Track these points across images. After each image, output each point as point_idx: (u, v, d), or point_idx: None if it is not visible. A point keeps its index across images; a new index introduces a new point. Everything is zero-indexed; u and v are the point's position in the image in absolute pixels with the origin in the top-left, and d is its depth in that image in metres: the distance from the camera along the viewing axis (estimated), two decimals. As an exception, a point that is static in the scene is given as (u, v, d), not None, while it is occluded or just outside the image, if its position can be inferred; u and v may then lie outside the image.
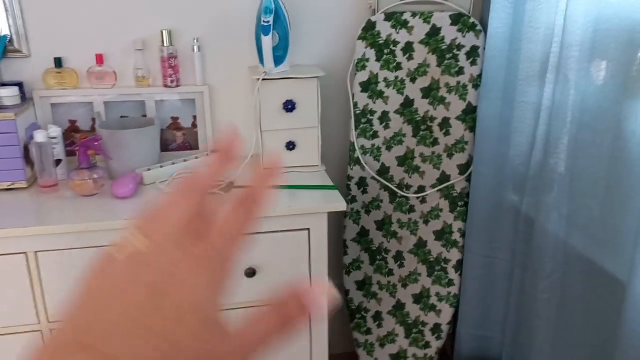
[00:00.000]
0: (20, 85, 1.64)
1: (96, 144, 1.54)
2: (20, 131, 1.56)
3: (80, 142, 1.54)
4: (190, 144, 1.88)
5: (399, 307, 1.91)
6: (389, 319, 1.93)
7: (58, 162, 1.63)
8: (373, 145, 1.82)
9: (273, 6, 1.59)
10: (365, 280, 1.92)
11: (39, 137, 1.54)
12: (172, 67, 1.75)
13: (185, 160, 1.76)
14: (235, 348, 0.28)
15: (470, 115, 1.77)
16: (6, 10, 1.64)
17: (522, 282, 1.63)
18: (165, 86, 1.77)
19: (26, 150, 1.58)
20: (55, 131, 1.62)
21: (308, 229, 1.53)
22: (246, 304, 1.55)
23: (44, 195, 1.56)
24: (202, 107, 1.84)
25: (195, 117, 1.86)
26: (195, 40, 1.76)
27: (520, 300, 1.66)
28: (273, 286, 1.44)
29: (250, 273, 1.51)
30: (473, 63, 1.74)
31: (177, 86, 1.78)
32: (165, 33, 1.71)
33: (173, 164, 1.73)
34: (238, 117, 1.89)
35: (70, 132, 1.78)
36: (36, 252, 1.39)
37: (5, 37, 1.65)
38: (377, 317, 1.94)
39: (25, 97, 1.67)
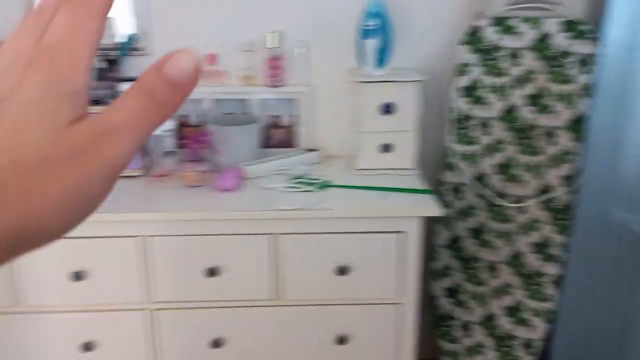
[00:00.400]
0: (139, 81, 1.78)
1: (205, 138, 1.64)
2: (138, 124, 1.69)
3: (192, 135, 1.65)
4: (289, 142, 1.95)
5: (489, 318, 1.87)
6: (477, 329, 1.89)
7: (169, 153, 1.75)
8: (470, 151, 1.79)
9: (378, 10, 1.61)
10: (454, 288, 1.89)
11: (155, 130, 1.66)
12: (277, 68, 1.82)
13: (283, 157, 1.82)
14: (95, 135, 0.25)
15: (578, 125, 1.70)
16: (134, 12, 1.78)
17: (628, 304, 1.54)
18: (269, 85, 1.85)
19: (142, 142, 1.71)
20: (169, 124, 1.74)
21: (401, 232, 1.54)
22: (336, 302, 1.60)
23: (155, 184, 1.68)
24: (303, 106, 1.90)
25: (295, 116, 1.92)
26: (301, 42, 1.82)
27: (624, 323, 1.56)
28: (365, 284, 1.48)
29: (342, 271, 1.54)
30: (584, 71, 1.67)
31: (280, 86, 1.85)
32: (272, 35, 1.78)
33: (272, 160, 1.80)
34: (336, 118, 1.93)
35: (181, 126, 1.90)
36: (147, 236, 1.51)
37: (133, 35, 1.79)
38: (465, 326, 1.90)
39: (143, 92, 1.80)
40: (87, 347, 1.58)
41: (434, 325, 1.96)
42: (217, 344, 1.61)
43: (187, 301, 1.57)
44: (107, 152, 0.26)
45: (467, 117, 1.77)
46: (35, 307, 1.56)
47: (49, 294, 1.54)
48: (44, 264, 1.51)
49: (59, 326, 1.58)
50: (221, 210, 1.49)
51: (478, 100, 1.75)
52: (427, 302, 1.98)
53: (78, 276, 1.51)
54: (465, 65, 1.73)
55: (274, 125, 1.93)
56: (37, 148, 0.24)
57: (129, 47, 1.80)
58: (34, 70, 0.24)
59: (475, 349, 1.91)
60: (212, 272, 1.53)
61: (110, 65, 1.73)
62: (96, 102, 1.68)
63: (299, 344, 1.63)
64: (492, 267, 1.84)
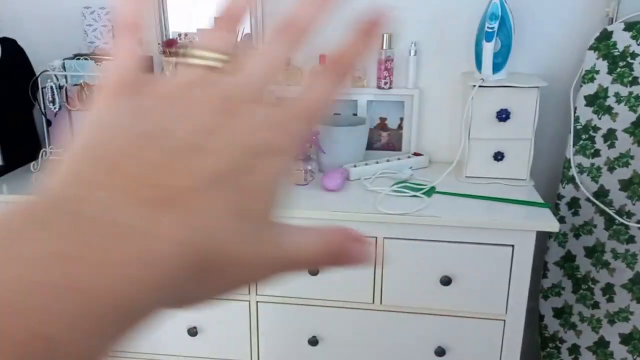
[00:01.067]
0: (253, 79, 1.83)
1: (314, 137, 1.66)
2: (250, 121, 1.74)
3: (300, 135, 1.67)
4: (394, 145, 1.92)
5: (602, 344, 1.73)
6: (587, 355, 1.76)
7: (277, 151, 1.79)
8: (592, 164, 1.66)
9: (500, 12, 1.55)
10: (564, 309, 1.78)
11: (266, 127, 1.70)
12: (387, 70, 1.80)
13: (388, 160, 1.80)
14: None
15: None
16: (249, 11, 1.84)
17: None
18: (378, 87, 1.83)
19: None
20: (279, 123, 1.78)
21: (512, 246, 1.46)
22: (437, 312, 1.55)
23: (263, 180, 1.73)
24: (411, 109, 1.86)
25: (402, 119, 1.89)
26: (413, 44, 1.79)
27: None
28: (469, 297, 1.42)
29: (446, 281, 1.50)
30: None
31: (390, 88, 1.83)
32: (385, 36, 1.77)
33: (377, 162, 1.78)
34: (445, 122, 1.88)
35: (289, 125, 1.94)
36: (255, 230, 1.55)
37: (247, 35, 1.85)
38: (574, 350, 1.78)
39: (256, 91, 1.86)
40: (192, 332, 1.66)
41: (540, 346, 1.85)
42: (314, 341, 1.62)
43: (288, 297, 1.60)
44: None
45: (591, 128, 1.65)
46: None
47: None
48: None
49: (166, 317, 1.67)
50: (326, 210, 1.50)
51: (604, 110, 1.62)
52: (534, 321, 1.87)
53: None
54: (592, 71, 1.62)
55: (380, 127, 1.91)
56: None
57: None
58: (271, 151, 0.22)
59: (584, 376, 1.78)
60: (313, 270, 1.54)
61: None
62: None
63: (395, 351, 1.60)
64: (608, 290, 1.70)
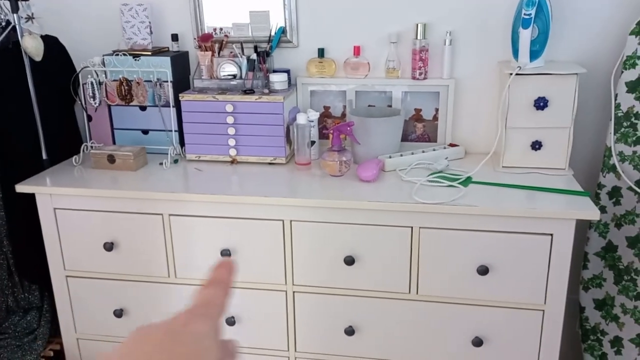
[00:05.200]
0: (288, 72, 1.85)
1: (348, 128, 1.66)
2: (285, 113, 1.76)
3: (335, 126, 1.68)
4: (429, 136, 1.91)
5: (645, 337, 1.69)
6: (630, 347, 1.72)
7: (312, 143, 1.80)
8: (634, 152, 1.62)
9: (537, -2, 1.52)
10: (605, 300, 1.74)
11: (301, 119, 1.72)
12: (422, 60, 1.79)
13: (423, 151, 1.80)
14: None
15: None
16: (284, 5, 1.85)
17: None
18: (413, 78, 1.83)
19: (286, 131, 1.78)
20: (314, 115, 1.79)
21: (551, 235, 1.44)
22: (474, 302, 1.54)
23: (298, 172, 1.74)
24: (446, 100, 1.85)
25: (437, 110, 1.88)
26: (448, 34, 1.77)
27: None
28: (507, 286, 1.41)
29: (483, 271, 1.48)
30: None
31: (424, 78, 1.82)
32: (419, 26, 1.76)
33: (412, 153, 1.78)
34: (481, 112, 1.86)
35: (323, 117, 1.95)
36: (291, 220, 1.56)
37: (281, 29, 1.87)
38: (616, 342, 1.74)
39: (290, 83, 1.87)
40: (230, 321, 1.69)
41: (581, 338, 1.82)
42: (350, 331, 1.63)
43: (325, 286, 1.61)
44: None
45: (633, 115, 1.61)
46: (187, 280, 1.69)
47: (199, 269, 1.66)
48: (196, 241, 1.63)
49: (207, 299, 1.70)
50: (362, 200, 1.50)
51: (647, 96, 1.58)
52: (575, 313, 1.84)
53: (225, 253, 1.61)
54: (634, 57, 1.57)
55: (415, 118, 1.91)
56: None
57: (279, 40, 1.88)
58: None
59: (626, 369, 1.74)
60: (350, 259, 1.55)
61: (262, 57, 1.82)
62: (249, 91, 1.77)
63: (432, 341, 1.60)
64: (652, 281, 1.66)
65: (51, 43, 1.87)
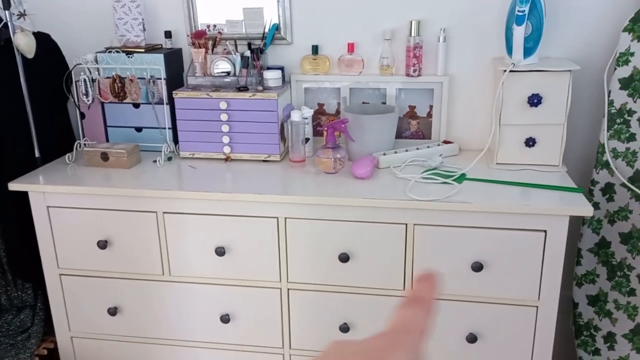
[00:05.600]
0: (282, 69, 1.84)
1: (343, 125, 1.66)
2: (279, 110, 1.76)
3: (329, 123, 1.67)
4: (424, 133, 1.91)
5: (638, 332, 1.70)
6: (623, 342, 1.73)
7: (306, 140, 1.80)
8: (627, 148, 1.63)
9: (531, -5, 1.52)
10: (599, 296, 1.75)
11: (295, 116, 1.71)
12: (416, 57, 1.79)
13: (417, 148, 1.80)
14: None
15: None
16: (278, 2, 1.85)
17: None
18: (407, 75, 1.83)
19: (280, 128, 1.78)
20: (308, 112, 1.79)
21: (544, 231, 1.45)
22: (468, 298, 1.55)
23: (292, 169, 1.74)
24: (440, 97, 1.85)
25: (431, 107, 1.88)
26: (442, 31, 1.77)
27: None
28: (501, 283, 1.41)
29: (477, 267, 1.49)
30: None
31: (419, 75, 1.82)
32: (414, 23, 1.76)
33: (406, 150, 1.78)
34: (475, 109, 1.86)
35: (318, 114, 1.94)
36: (286, 218, 1.56)
37: (274, 25, 1.86)
38: (609, 338, 1.75)
39: (284, 80, 1.87)
40: (224, 319, 1.68)
41: (574, 333, 1.83)
42: (345, 328, 1.63)
43: (319, 284, 1.61)
44: None
45: (626, 111, 1.62)
46: (181, 278, 1.68)
47: (193, 267, 1.66)
48: (190, 239, 1.63)
49: (201, 296, 1.70)
50: (356, 197, 1.50)
51: (640, 93, 1.59)
52: (568, 309, 1.85)
53: (220, 251, 1.61)
54: (627, 54, 1.58)
55: (410, 115, 1.91)
56: None
57: (273, 36, 1.87)
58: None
59: (619, 365, 1.75)
60: (344, 257, 1.55)
61: (256, 54, 1.81)
62: (243, 88, 1.77)
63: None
64: (644, 277, 1.67)
65: (43, 40, 1.86)
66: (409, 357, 0.33)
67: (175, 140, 1.87)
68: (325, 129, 1.68)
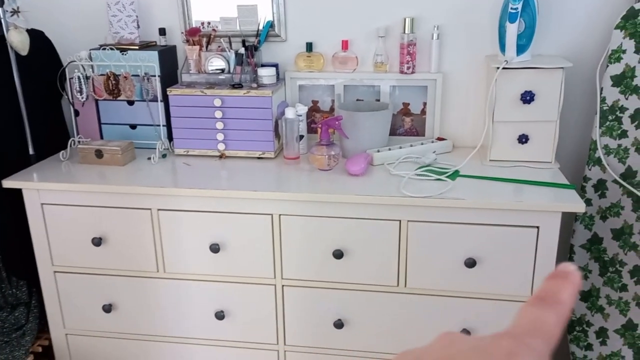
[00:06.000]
0: (276, 66, 1.85)
1: (337, 123, 1.67)
2: (273, 107, 1.76)
3: (323, 120, 1.68)
4: (417, 130, 1.92)
5: (630, 327, 1.72)
6: (615, 337, 1.75)
7: (300, 137, 1.80)
8: (619, 145, 1.64)
9: (523, -8, 1.53)
10: (591, 292, 1.76)
11: (289, 113, 1.72)
12: (410, 54, 1.79)
13: (411, 145, 1.80)
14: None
15: None
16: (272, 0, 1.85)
17: None
18: (401, 72, 1.83)
19: (274, 125, 1.78)
20: (302, 109, 1.79)
21: (537, 227, 1.46)
22: (462, 294, 1.56)
23: (286, 166, 1.74)
24: (434, 94, 1.86)
25: (425, 104, 1.89)
26: (435, 28, 1.78)
27: None
28: (494, 279, 1.43)
29: (470, 263, 1.50)
30: None
31: (412, 73, 1.83)
32: (407, 20, 1.76)
33: (400, 147, 1.79)
34: (469, 106, 1.87)
35: (312, 111, 1.95)
36: (280, 214, 1.57)
37: (269, 23, 1.87)
38: (601, 333, 1.77)
39: (278, 78, 1.87)
40: (219, 315, 1.69)
41: (566, 329, 1.84)
42: (339, 324, 1.64)
43: (313, 280, 1.62)
44: None
45: (618, 108, 1.63)
46: (176, 275, 1.69)
47: (188, 264, 1.66)
48: (185, 236, 1.63)
49: (196, 293, 1.70)
50: (350, 194, 1.51)
51: (631, 90, 1.60)
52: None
53: (215, 248, 1.61)
54: (619, 51, 1.59)
55: (404, 112, 1.91)
56: None
57: (267, 34, 1.87)
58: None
59: (611, 359, 1.77)
60: (338, 253, 1.56)
61: (250, 51, 1.81)
62: (237, 85, 1.77)
63: (420, 333, 1.61)
64: (636, 272, 1.68)
65: (37, 37, 1.85)
66: None
67: (170, 138, 1.87)
68: (320, 126, 1.69)
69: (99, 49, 1.83)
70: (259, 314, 1.69)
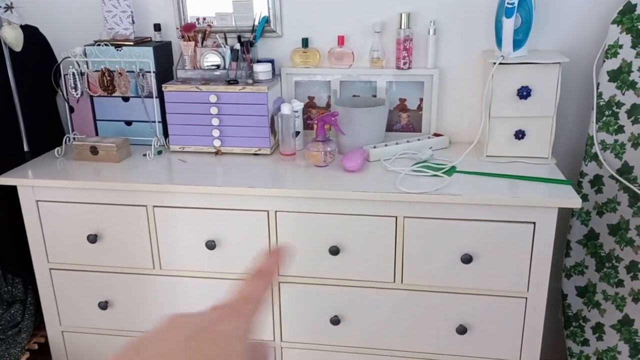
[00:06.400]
0: (272, 62, 1.84)
1: (333, 119, 1.66)
2: (269, 103, 1.75)
3: (320, 116, 1.67)
4: (414, 126, 1.92)
5: (626, 322, 1.72)
6: (611, 333, 1.75)
7: (296, 133, 1.79)
8: (616, 140, 1.64)
9: (520, -13, 1.52)
10: (587, 287, 1.76)
11: (285, 109, 1.71)
12: (406, 50, 1.79)
13: (407, 141, 1.80)
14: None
15: None
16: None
17: None
18: (397, 68, 1.82)
19: (270, 121, 1.77)
20: (298, 105, 1.78)
21: (533, 223, 1.46)
22: (458, 290, 1.56)
23: (282, 162, 1.74)
24: (430, 90, 1.85)
25: (421, 100, 1.88)
26: (432, 23, 1.77)
27: None
28: (490, 275, 1.42)
29: (467, 259, 1.50)
30: None
31: (409, 68, 1.82)
32: (404, 16, 1.76)
33: (397, 143, 1.78)
34: (465, 102, 1.86)
35: (308, 107, 1.94)
36: (276, 211, 1.56)
37: (264, 18, 1.86)
38: (598, 328, 1.77)
39: (274, 73, 1.86)
40: (216, 312, 1.68)
41: (563, 324, 1.85)
42: (335, 321, 1.63)
43: (310, 276, 1.62)
44: None
45: (615, 103, 1.63)
46: (172, 271, 1.68)
47: (184, 260, 1.66)
48: (181, 233, 1.63)
49: (192, 290, 1.70)
50: (347, 190, 1.51)
51: (628, 85, 1.60)
52: (557, 301, 1.87)
53: (211, 245, 1.60)
54: (616, 46, 1.59)
55: (400, 108, 1.91)
56: None
57: (262, 29, 1.86)
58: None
59: (608, 354, 1.77)
60: (334, 249, 1.55)
61: (245, 47, 1.81)
62: (233, 81, 1.76)
63: (417, 330, 1.61)
64: (632, 268, 1.68)
65: (31, 33, 1.84)
66: (240, 326, 0.35)
67: (165, 134, 1.86)
68: (316, 122, 1.68)
69: (93, 45, 1.82)
70: (255, 311, 1.68)
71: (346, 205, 1.53)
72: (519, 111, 1.62)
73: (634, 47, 1.57)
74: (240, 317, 0.35)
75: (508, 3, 1.54)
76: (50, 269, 1.76)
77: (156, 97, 1.82)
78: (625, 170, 1.64)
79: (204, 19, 1.91)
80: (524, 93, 1.59)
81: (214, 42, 1.85)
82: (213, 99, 1.74)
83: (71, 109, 1.90)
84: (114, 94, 1.84)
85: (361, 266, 1.58)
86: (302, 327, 1.68)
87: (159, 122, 1.85)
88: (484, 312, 1.56)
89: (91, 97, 1.88)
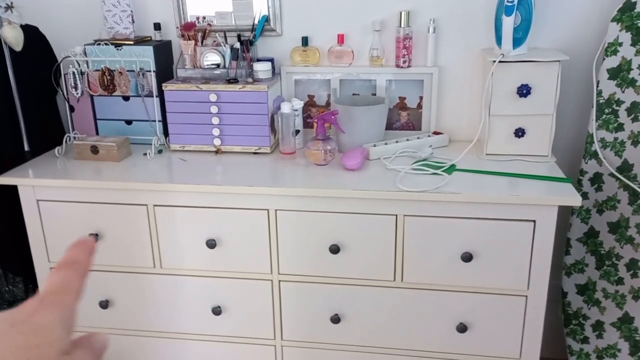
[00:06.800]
0: (272, 61, 1.84)
1: (333, 117, 1.66)
2: (269, 102, 1.75)
3: (319, 115, 1.67)
4: (414, 124, 1.92)
5: (626, 320, 1.72)
6: (611, 331, 1.75)
7: (296, 132, 1.80)
8: (616, 138, 1.64)
9: (519, -15, 1.52)
10: (587, 285, 1.77)
11: (285, 108, 1.71)
12: (406, 48, 1.79)
13: (407, 140, 1.80)
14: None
15: None
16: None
17: None
18: (397, 66, 1.83)
19: (270, 120, 1.77)
20: (298, 104, 1.79)
21: (533, 221, 1.46)
22: (458, 288, 1.56)
23: (282, 161, 1.74)
24: (430, 88, 1.85)
25: (421, 98, 1.88)
26: (432, 22, 1.77)
27: None
28: (490, 273, 1.42)
29: (467, 258, 1.50)
30: None
31: (408, 66, 1.82)
32: (403, 14, 1.76)
33: (397, 142, 1.78)
34: (465, 100, 1.86)
35: (308, 106, 1.94)
36: (276, 210, 1.56)
37: (264, 17, 1.86)
38: (598, 326, 1.77)
39: (274, 72, 1.86)
40: (216, 311, 1.69)
41: (563, 322, 1.85)
42: (336, 319, 1.64)
43: (310, 275, 1.62)
44: None
45: (614, 101, 1.63)
46: (172, 270, 1.69)
47: (184, 259, 1.66)
48: (181, 231, 1.63)
49: (192, 289, 1.70)
50: (346, 189, 1.51)
51: (628, 83, 1.60)
52: (557, 298, 1.87)
53: (211, 243, 1.61)
54: (615, 44, 1.59)
55: (400, 107, 1.91)
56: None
57: (262, 28, 1.86)
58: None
59: (608, 352, 1.77)
60: (335, 248, 1.55)
61: (245, 45, 1.81)
62: (233, 80, 1.76)
63: (417, 328, 1.61)
64: (632, 265, 1.68)
65: (31, 33, 1.84)
66: (57, 316, 0.35)
67: (166, 133, 1.86)
68: (316, 120, 1.68)
69: (93, 44, 1.82)
70: (255, 309, 1.69)
71: (346, 203, 1.53)
72: (518, 109, 1.62)
73: (633, 44, 1.57)
74: (57, 307, 0.36)
75: (508, 1, 1.54)
76: (51, 268, 1.76)
77: (156, 96, 1.83)
78: (625, 168, 1.64)
79: (204, 18, 1.91)
80: (523, 91, 1.59)
81: (214, 41, 1.85)
82: (213, 97, 1.74)
83: (71, 109, 1.90)
84: (114, 93, 1.84)
85: (361, 265, 1.58)
86: (302, 326, 1.68)
87: (159, 121, 1.85)
88: (484, 310, 1.57)
89: (91, 97, 1.88)
